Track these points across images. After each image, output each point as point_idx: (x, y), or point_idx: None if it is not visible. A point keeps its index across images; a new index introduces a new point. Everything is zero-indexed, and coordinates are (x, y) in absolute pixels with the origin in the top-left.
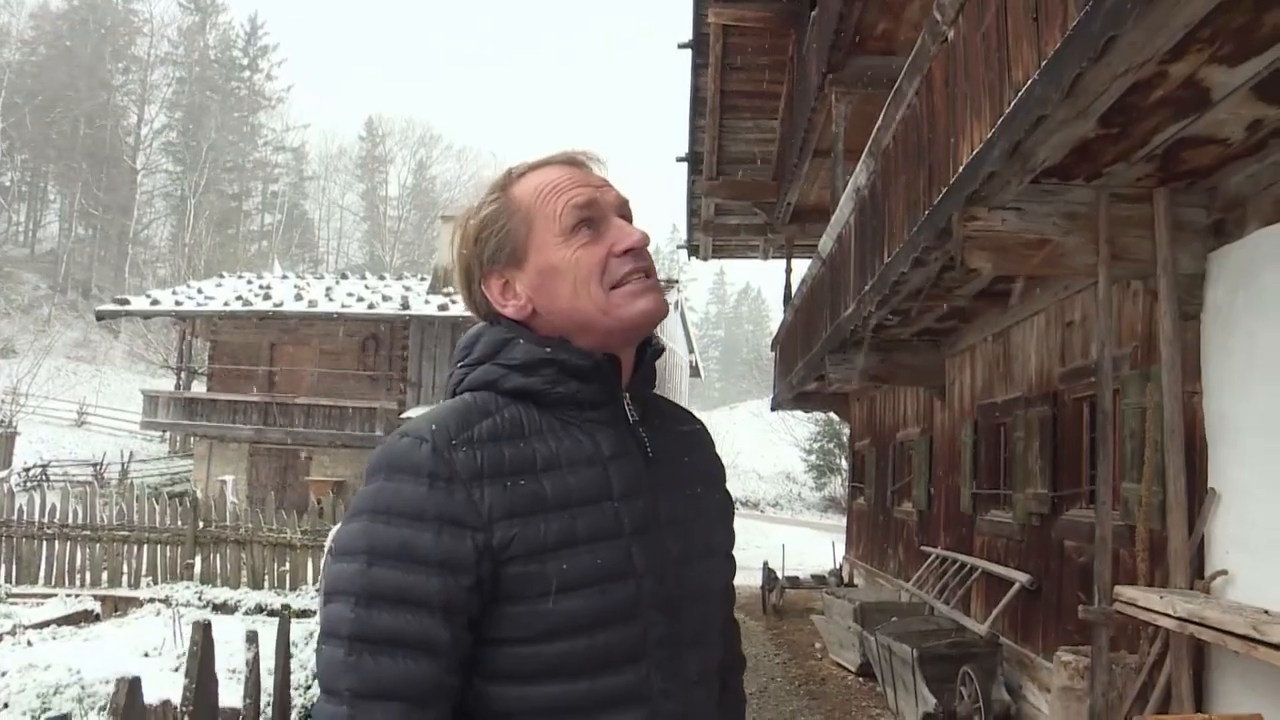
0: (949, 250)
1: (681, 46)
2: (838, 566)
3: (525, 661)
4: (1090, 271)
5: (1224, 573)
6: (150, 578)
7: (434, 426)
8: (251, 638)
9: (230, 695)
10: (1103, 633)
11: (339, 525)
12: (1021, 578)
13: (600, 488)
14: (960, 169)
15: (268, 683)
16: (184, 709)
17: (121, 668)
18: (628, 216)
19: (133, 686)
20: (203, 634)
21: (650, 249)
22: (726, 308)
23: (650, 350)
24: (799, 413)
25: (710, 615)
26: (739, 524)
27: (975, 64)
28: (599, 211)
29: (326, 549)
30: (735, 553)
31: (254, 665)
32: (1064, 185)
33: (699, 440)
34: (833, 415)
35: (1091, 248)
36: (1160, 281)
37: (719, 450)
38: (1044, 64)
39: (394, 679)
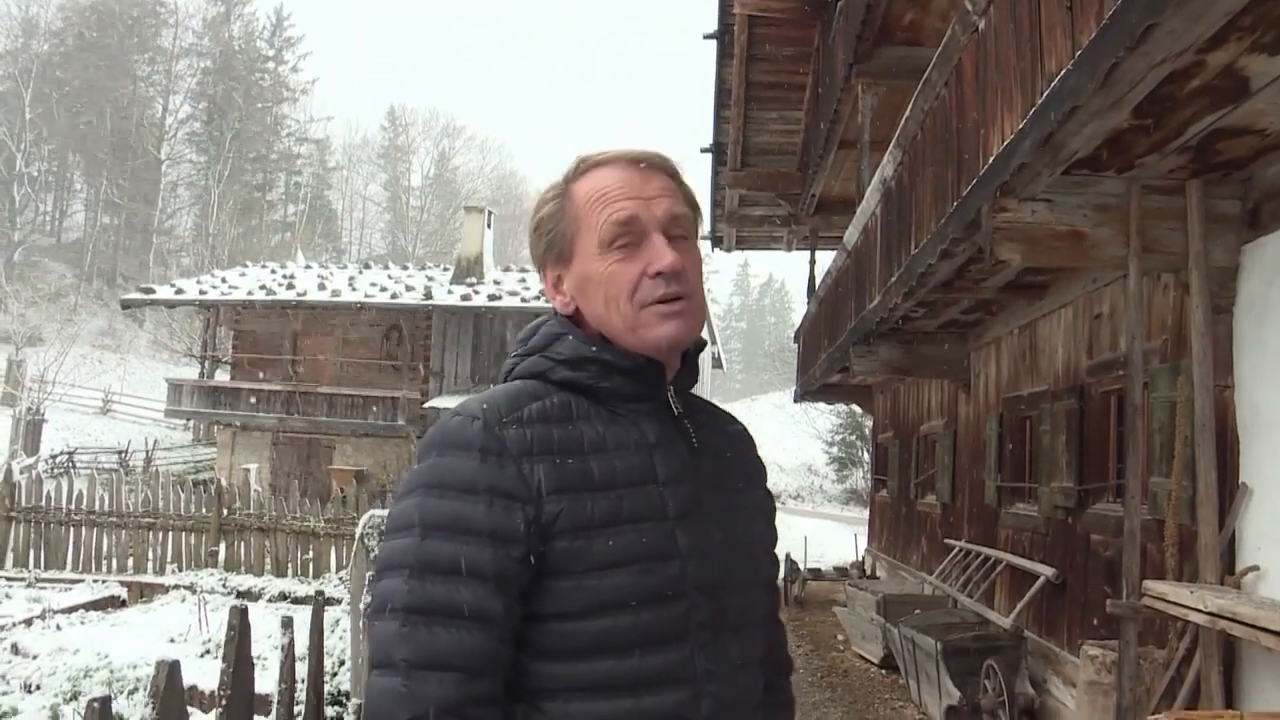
0: (978, 242)
1: (707, 37)
2: (860, 559)
3: (570, 637)
4: (1121, 264)
5: (1256, 568)
6: (175, 564)
7: (485, 406)
8: (287, 623)
9: (258, 682)
10: (1130, 627)
11: (367, 514)
12: (1046, 571)
13: (645, 472)
14: (990, 160)
15: (299, 669)
16: (221, 693)
17: (148, 653)
18: (682, 231)
19: (172, 669)
20: (240, 618)
21: (696, 275)
22: (750, 300)
23: (694, 346)
24: (821, 405)
25: (751, 604)
26: None
27: (1007, 54)
28: (639, 228)
29: (358, 537)
30: None
31: (289, 650)
32: (1095, 176)
33: (741, 440)
34: (855, 407)
35: (1122, 240)
36: (1192, 274)
37: None
38: (1078, 54)
39: (448, 649)
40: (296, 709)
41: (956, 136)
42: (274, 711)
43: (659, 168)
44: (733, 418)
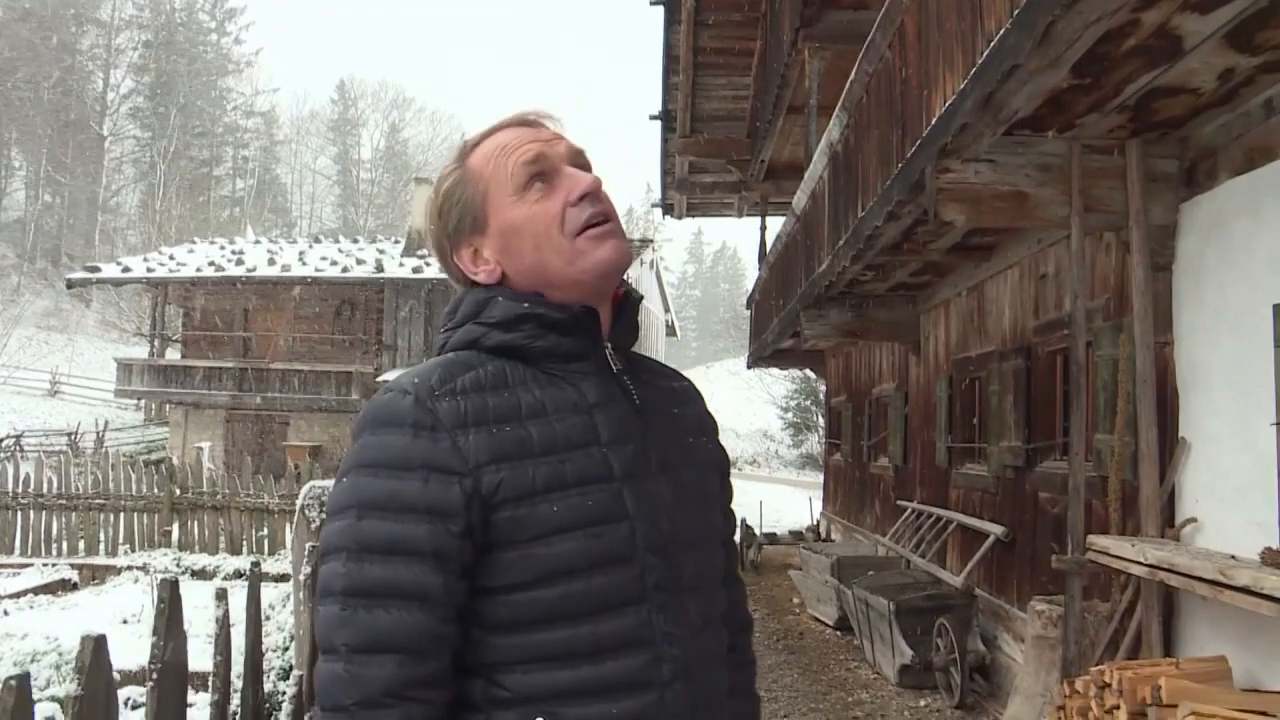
0: (922, 203)
1: (654, 3)
2: (815, 522)
3: (522, 608)
4: (1063, 223)
5: (1193, 520)
6: (128, 545)
7: (416, 380)
8: (221, 595)
9: (206, 660)
10: (1076, 582)
11: (307, 484)
12: (996, 530)
13: (587, 434)
14: (933, 121)
15: (240, 643)
16: (152, 666)
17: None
18: (583, 165)
19: (98, 644)
20: (170, 591)
21: (611, 198)
22: (703, 267)
23: (629, 301)
24: (776, 371)
25: (708, 562)
26: None
27: (948, 14)
28: (549, 164)
29: (298, 509)
30: None
31: (224, 623)
32: (1037, 137)
33: (689, 396)
34: (809, 372)
35: (1064, 199)
36: (1133, 233)
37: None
38: (1017, 12)
39: (388, 630)
40: (235, 683)
41: (901, 99)
42: (210, 685)
43: (545, 118)
44: (679, 374)
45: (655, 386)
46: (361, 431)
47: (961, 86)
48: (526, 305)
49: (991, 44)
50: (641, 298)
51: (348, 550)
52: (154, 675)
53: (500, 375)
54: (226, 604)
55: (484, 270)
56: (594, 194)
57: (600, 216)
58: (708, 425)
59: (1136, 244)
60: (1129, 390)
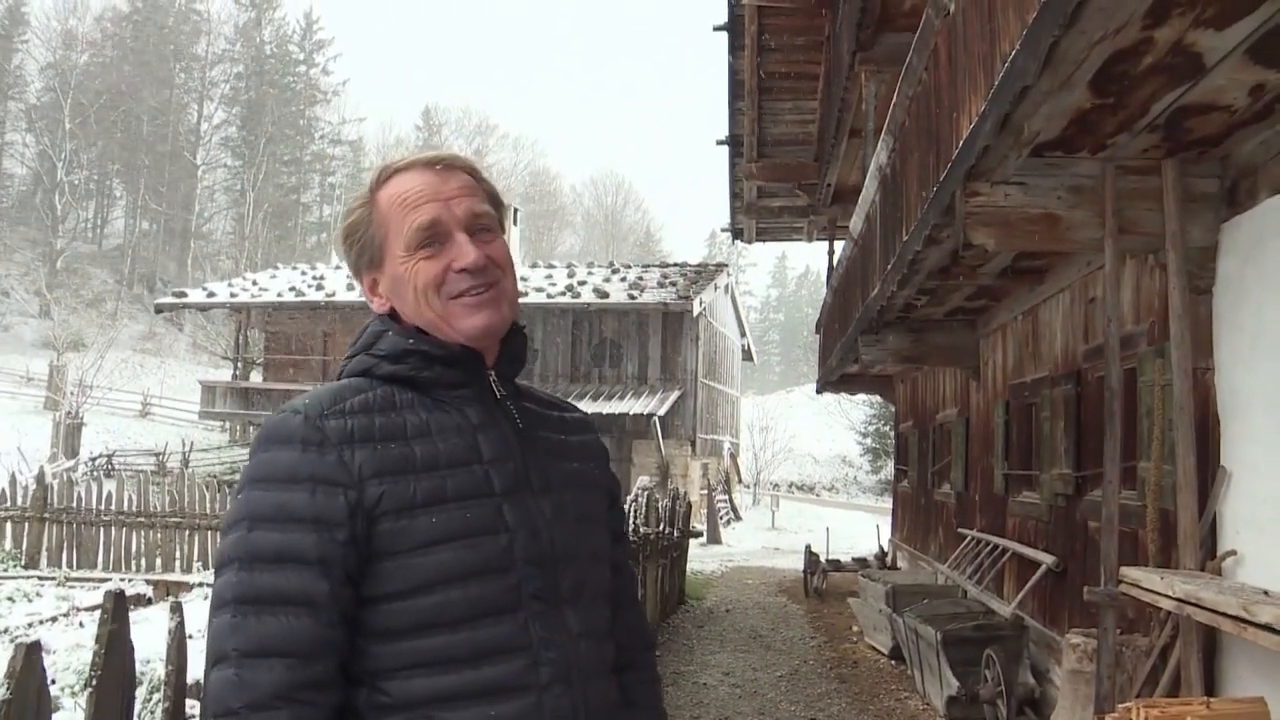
0: (954, 227)
1: (717, 29)
2: (881, 549)
3: (402, 615)
4: (1097, 246)
5: (1233, 553)
6: (201, 563)
7: (308, 401)
8: (175, 608)
9: None
10: (1109, 614)
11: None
12: (1047, 559)
13: (469, 452)
14: (960, 143)
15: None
16: (92, 674)
17: (164, 650)
18: (485, 225)
19: (31, 650)
20: (114, 603)
21: (505, 259)
22: (787, 291)
23: (514, 334)
24: (857, 396)
25: (588, 576)
26: (793, 507)
27: (972, 36)
28: (442, 228)
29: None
30: (787, 535)
31: (176, 634)
32: (1069, 158)
33: (579, 425)
34: (878, 398)
35: (1098, 222)
36: (1169, 255)
37: (774, 435)
38: (1024, 33)
39: (277, 636)
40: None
41: (935, 121)
42: (160, 692)
43: (456, 167)
44: (571, 406)
45: (541, 415)
46: (256, 450)
47: (982, 108)
48: (410, 341)
49: (1005, 65)
50: (526, 337)
51: (239, 560)
52: (93, 682)
53: (389, 398)
54: (180, 616)
55: (377, 302)
56: (475, 270)
57: (479, 288)
58: (596, 452)
59: (1173, 266)
60: (1168, 417)
